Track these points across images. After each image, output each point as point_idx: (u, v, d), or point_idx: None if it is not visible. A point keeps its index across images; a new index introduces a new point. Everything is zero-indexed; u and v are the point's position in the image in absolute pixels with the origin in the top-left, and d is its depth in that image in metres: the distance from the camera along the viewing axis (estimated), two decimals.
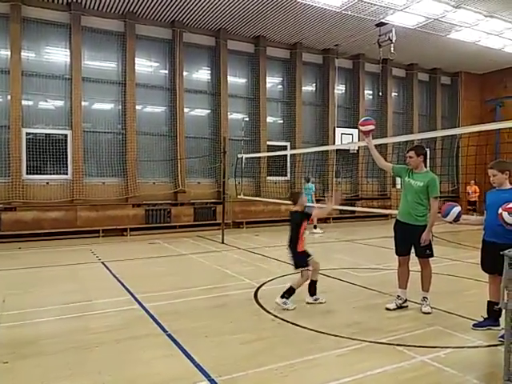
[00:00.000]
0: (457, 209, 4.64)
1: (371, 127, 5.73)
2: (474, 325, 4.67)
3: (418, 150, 5.26)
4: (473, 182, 17.42)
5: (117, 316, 5.21)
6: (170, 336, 4.49)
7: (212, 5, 12.97)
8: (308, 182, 13.50)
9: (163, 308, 5.49)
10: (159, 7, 13.17)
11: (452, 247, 10.16)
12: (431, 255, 5.25)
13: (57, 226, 12.14)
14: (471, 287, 6.52)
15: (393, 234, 5.57)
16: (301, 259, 5.53)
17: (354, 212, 16.50)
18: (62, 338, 4.49)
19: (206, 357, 3.94)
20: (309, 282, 5.62)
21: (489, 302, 4.68)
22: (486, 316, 4.67)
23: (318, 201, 13.85)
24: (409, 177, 5.30)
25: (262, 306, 5.53)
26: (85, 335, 4.54)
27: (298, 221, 5.59)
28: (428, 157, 6.46)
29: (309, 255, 5.61)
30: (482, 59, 18.33)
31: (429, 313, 5.15)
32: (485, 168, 4.74)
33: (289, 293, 5.41)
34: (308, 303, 5.62)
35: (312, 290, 5.68)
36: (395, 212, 5.83)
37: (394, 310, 5.32)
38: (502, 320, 4.52)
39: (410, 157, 5.27)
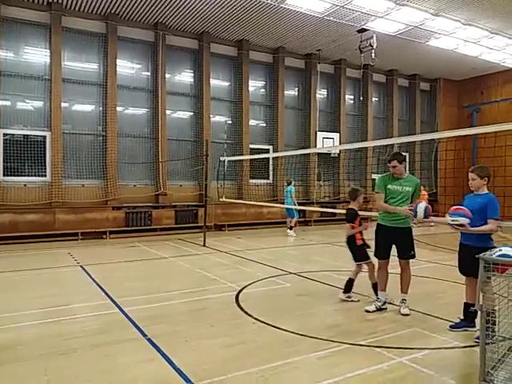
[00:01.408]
0: (422, 204, 4.86)
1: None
2: (451, 326, 4.76)
3: (399, 158, 5.45)
4: (422, 187, 17.87)
5: (95, 320, 5.13)
6: (149, 340, 4.44)
7: (195, 8, 12.94)
8: (289, 184, 13.63)
9: (143, 312, 5.44)
10: (142, 9, 13.08)
11: (429, 250, 10.33)
12: (413, 256, 5.37)
13: (34, 228, 11.88)
14: (448, 289, 6.64)
15: (373, 238, 5.62)
16: (360, 252, 5.88)
17: (334, 214, 16.65)
18: (40, 343, 4.40)
19: (186, 361, 3.92)
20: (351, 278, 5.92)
21: (465, 303, 4.79)
22: (462, 317, 4.77)
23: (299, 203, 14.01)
24: (391, 184, 5.41)
25: (243, 309, 5.52)
26: (62, 340, 4.46)
27: (351, 218, 5.98)
28: (407, 161, 6.65)
29: (367, 246, 5.96)
30: (459, 66, 18.76)
31: (407, 314, 5.23)
32: (462, 172, 4.89)
33: (349, 286, 5.88)
34: (342, 300, 5.91)
35: (348, 287, 5.95)
36: (375, 214, 5.95)
37: (374, 312, 5.39)
38: (477, 321, 4.64)
39: (394, 166, 5.41)
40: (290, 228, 13.60)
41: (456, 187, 16.45)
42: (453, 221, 4.47)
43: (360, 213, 6.20)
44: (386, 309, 5.47)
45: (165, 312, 5.51)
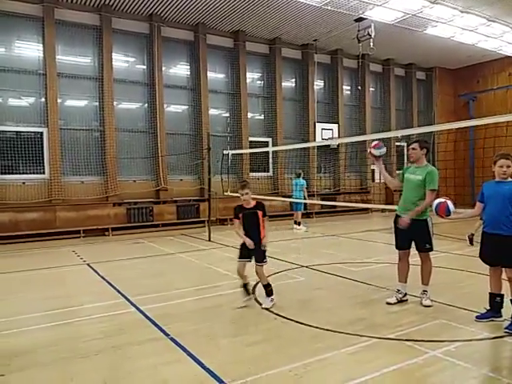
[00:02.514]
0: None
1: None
2: (477, 317, 4.69)
3: (422, 143, 5.26)
4: None
5: (113, 320, 4.99)
6: (173, 340, 4.32)
7: None
8: (299, 177, 13.09)
9: (160, 310, 5.31)
10: (136, 0, 12.79)
11: (436, 239, 10.27)
12: (431, 249, 5.27)
13: (35, 227, 11.66)
14: (465, 279, 6.61)
15: (392, 228, 5.53)
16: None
17: (335, 206, 16.62)
18: (58, 346, 4.25)
19: (214, 360, 3.81)
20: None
21: (490, 293, 4.72)
22: (488, 308, 4.71)
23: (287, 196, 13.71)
24: (408, 172, 5.31)
25: (261, 305, 5.41)
26: (82, 342, 4.32)
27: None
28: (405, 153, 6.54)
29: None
30: (455, 54, 18.72)
31: (430, 306, 5.16)
32: (460, 163, 4.76)
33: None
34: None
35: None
36: (375, 206, 5.90)
37: (395, 304, 5.31)
38: (504, 311, 4.59)
39: (414, 148, 5.25)
40: (298, 223, 13.04)
41: (456, 178, 16.52)
42: (380, 152, 5.47)
43: (361, 205, 6.07)
44: (406, 300, 5.40)
45: (182, 310, 5.39)
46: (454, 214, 4.78)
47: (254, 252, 5.29)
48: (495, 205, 4.43)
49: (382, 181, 5.49)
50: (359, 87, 18.22)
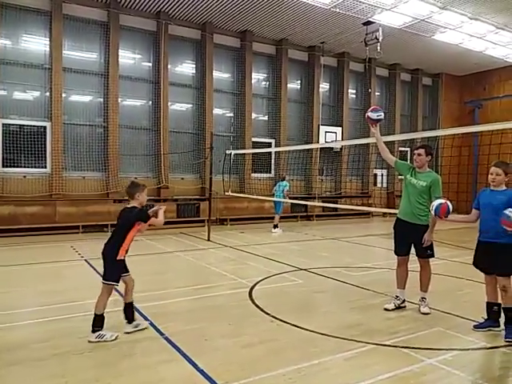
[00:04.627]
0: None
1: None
2: (475, 326, 4.65)
3: (428, 150, 5.18)
4: None
5: (109, 318, 4.88)
6: (167, 339, 4.29)
7: None
8: (283, 180, 13.33)
9: (156, 309, 5.27)
10: None
11: (435, 246, 10.21)
12: (432, 255, 5.22)
13: (34, 221, 11.65)
14: (463, 287, 6.56)
15: (392, 233, 5.48)
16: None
17: (336, 210, 16.56)
18: (54, 341, 4.22)
19: (209, 362, 3.77)
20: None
21: (487, 303, 4.67)
22: (486, 317, 4.67)
23: (295, 198, 13.76)
24: (411, 175, 5.22)
25: (258, 307, 5.38)
26: (77, 339, 4.28)
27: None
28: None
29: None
30: (462, 61, 18.64)
31: (428, 313, 5.12)
32: (464, 169, 4.71)
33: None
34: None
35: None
36: (377, 210, 5.82)
37: (393, 310, 5.27)
38: (501, 320, 4.54)
39: (419, 154, 5.15)
40: (275, 226, 12.81)
41: (460, 184, 16.42)
42: (378, 116, 5.38)
43: (363, 208, 5.95)
44: (405, 307, 5.36)
45: (178, 309, 5.36)
46: (451, 216, 4.74)
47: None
48: (489, 214, 4.40)
49: (383, 182, 5.37)
50: (369, 89, 18.09)
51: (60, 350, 4.01)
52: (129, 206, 4.56)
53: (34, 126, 12.30)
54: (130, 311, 4.52)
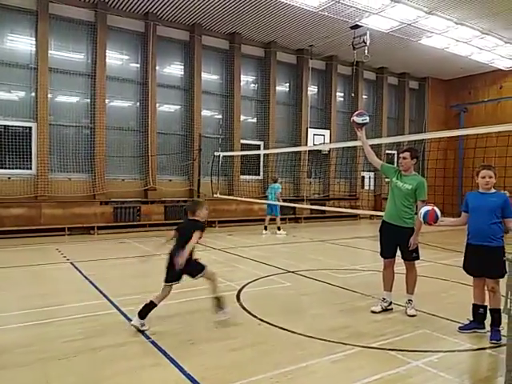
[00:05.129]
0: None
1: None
2: (460, 327, 4.69)
3: (413, 153, 5.20)
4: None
5: (94, 321, 4.90)
6: (153, 343, 4.25)
7: None
8: (275, 182, 13.25)
9: None
10: None
11: (421, 248, 10.29)
12: (417, 258, 5.25)
13: (19, 223, 11.47)
14: (449, 289, 6.62)
15: (378, 236, 5.51)
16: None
17: (324, 212, 16.62)
18: (37, 346, 4.15)
19: (195, 365, 3.74)
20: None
21: (474, 305, 4.72)
22: (471, 319, 4.71)
23: (284, 200, 13.80)
24: (397, 178, 5.25)
25: (246, 310, 5.36)
26: (61, 343, 4.22)
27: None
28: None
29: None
30: (448, 66, 18.89)
31: (414, 315, 5.15)
32: (449, 172, 4.76)
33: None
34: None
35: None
36: (364, 212, 5.84)
37: (380, 312, 5.29)
38: (486, 322, 4.59)
39: (404, 158, 5.18)
40: (279, 228, 12.96)
41: (446, 187, 16.64)
42: (363, 120, 5.44)
43: (350, 211, 5.93)
44: (391, 309, 5.38)
45: (165, 312, 5.29)
46: (441, 221, 4.76)
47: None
48: (481, 217, 4.42)
49: (370, 186, 5.39)
50: (352, 94, 18.27)
51: (44, 355, 3.95)
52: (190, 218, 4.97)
53: (19, 126, 12.13)
54: (148, 310, 4.65)
